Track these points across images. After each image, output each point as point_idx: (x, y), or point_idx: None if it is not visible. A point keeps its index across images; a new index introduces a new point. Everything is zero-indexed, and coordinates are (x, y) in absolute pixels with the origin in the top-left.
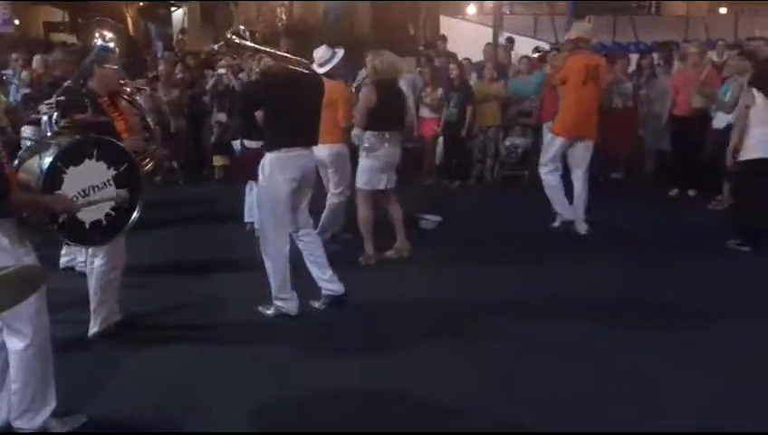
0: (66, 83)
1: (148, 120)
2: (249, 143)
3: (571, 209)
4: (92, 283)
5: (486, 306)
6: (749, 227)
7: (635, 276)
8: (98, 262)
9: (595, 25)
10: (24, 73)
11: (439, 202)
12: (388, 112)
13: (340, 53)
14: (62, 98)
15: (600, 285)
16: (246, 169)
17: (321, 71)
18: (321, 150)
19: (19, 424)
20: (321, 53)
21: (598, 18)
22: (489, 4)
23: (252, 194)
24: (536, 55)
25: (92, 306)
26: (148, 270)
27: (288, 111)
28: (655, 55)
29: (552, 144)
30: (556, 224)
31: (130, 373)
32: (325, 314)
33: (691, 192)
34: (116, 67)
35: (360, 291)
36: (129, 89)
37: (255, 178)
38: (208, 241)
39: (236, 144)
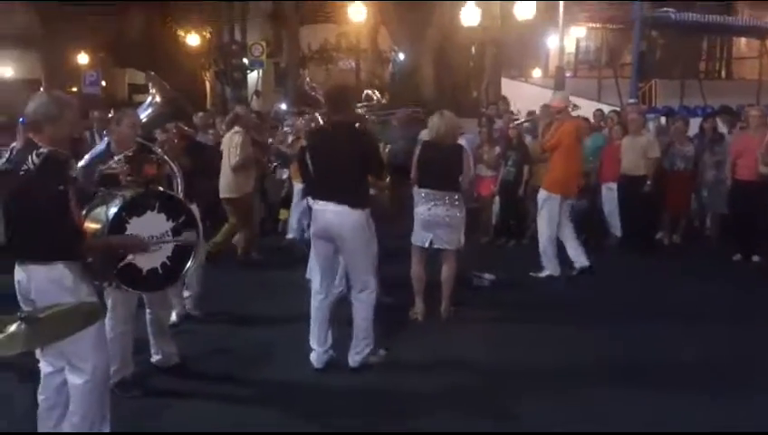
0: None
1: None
2: None
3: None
4: None
5: (530, 370)
6: None
7: (709, 343)
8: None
9: (662, 89)
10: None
11: (494, 261)
12: (433, 172)
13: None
14: (130, 153)
15: (656, 353)
16: None
17: None
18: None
19: None
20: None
21: (665, 82)
22: (554, 68)
23: None
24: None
25: None
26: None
27: (314, 164)
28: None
29: (550, 202)
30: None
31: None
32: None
33: (755, 258)
34: (132, 126)
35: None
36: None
37: None
38: (266, 289)
39: None
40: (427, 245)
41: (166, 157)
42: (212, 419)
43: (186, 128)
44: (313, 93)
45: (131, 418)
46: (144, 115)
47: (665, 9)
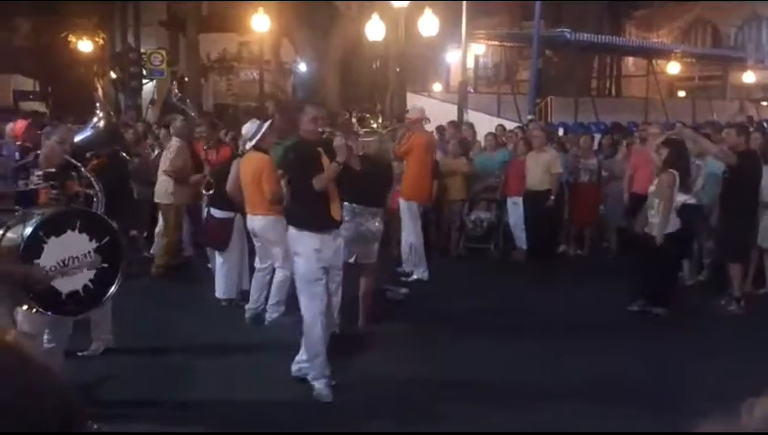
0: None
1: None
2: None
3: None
4: None
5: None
6: None
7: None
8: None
9: (558, 105)
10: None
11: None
12: (357, 187)
13: (266, 124)
14: (53, 169)
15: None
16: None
17: (249, 145)
18: (254, 221)
19: None
20: (247, 127)
21: (560, 99)
22: (455, 83)
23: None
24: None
25: None
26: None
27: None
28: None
29: (409, 209)
30: None
31: None
32: None
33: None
34: (59, 142)
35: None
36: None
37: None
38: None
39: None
40: (350, 259)
41: (90, 175)
42: None
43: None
44: (181, 105)
45: None
46: (83, 136)
47: (560, 29)
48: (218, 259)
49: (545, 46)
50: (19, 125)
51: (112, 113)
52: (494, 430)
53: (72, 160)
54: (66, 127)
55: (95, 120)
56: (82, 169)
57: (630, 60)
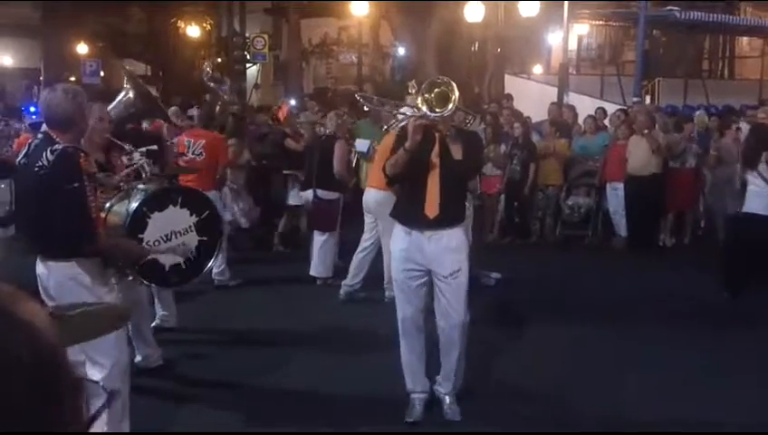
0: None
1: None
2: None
3: None
4: None
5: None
6: None
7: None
8: None
9: (666, 87)
10: None
11: (500, 259)
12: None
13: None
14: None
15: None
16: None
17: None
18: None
19: None
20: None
21: (669, 81)
22: (556, 64)
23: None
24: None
25: None
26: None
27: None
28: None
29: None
30: None
31: None
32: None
33: None
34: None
35: None
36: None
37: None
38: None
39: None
40: None
41: (135, 150)
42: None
43: None
44: (211, 84)
45: None
46: (115, 110)
47: (669, 8)
48: (317, 238)
49: (653, 25)
50: None
51: (142, 82)
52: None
53: (114, 140)
54: (100, 104)
55: (123, 93)
56: (127, 147)
57: (745, 40)
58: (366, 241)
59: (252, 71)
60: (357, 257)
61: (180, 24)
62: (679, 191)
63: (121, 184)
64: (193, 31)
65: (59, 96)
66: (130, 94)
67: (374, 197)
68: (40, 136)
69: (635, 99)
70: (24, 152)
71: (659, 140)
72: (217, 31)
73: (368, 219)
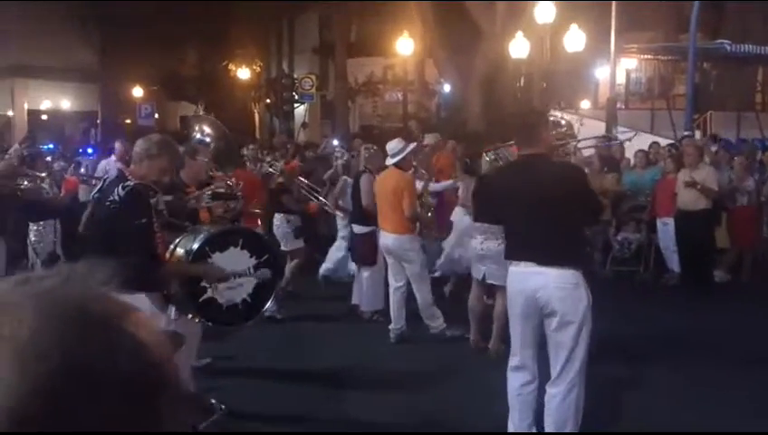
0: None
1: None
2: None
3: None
4: None
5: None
6: None
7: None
8: None
9: (718, 121)
10: None
11: None
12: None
13: (411, 145)
14: (222, 190)
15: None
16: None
17: (391, 162)
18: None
19: None
20: (393, 145)
21: (721, 114)
22: (603, 99)
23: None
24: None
25: None
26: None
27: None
28: None
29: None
30: None
31: None
32: None
33: None
34: (206, 160)
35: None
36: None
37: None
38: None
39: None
40: (480, 278)
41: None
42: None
43: None
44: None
45: None
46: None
47: (720, 41)
48: (364, 273)
49: (703, 59)
50: None
51: (220, 123)
52: None
53: (215, 174)
54: (204, 146)
55: (198, 135)
56: (231, 183)
57: None
58: (396, 281)
59: (299, 110)
60: (394, 297)
61: (231, 66)
62: (738, 227)
63: (187, 224)
64: (243, 73)
65: (147, 138)
66: (209, 134)
67: (396, 241)
68: (114, 173)
69: (686, 132)
70: (98, 187)
71: (704, 174)
72: (267, 72)
73: (389, 260)
